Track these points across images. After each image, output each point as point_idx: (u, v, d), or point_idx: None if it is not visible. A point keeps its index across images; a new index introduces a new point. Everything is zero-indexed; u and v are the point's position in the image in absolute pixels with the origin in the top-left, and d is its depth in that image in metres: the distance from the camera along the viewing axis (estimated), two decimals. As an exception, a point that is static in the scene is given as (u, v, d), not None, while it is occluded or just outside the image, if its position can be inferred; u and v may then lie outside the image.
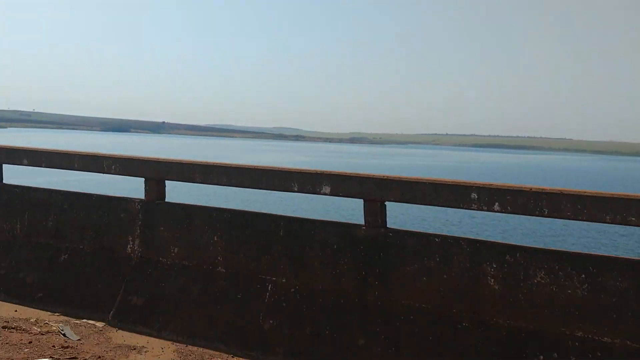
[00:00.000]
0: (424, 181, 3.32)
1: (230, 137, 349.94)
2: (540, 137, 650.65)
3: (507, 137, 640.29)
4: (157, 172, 4.23)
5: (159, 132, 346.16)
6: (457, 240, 3.28)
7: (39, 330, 3.74)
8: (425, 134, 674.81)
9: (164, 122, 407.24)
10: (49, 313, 4.23)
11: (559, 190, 3.01)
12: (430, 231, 3.57)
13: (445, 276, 3.26)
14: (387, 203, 3.50)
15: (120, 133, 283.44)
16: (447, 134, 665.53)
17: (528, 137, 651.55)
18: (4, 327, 3.69)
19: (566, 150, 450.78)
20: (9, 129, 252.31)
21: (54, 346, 3.45)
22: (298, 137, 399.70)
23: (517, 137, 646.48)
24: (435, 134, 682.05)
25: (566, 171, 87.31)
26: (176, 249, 4.14)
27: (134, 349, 3.64)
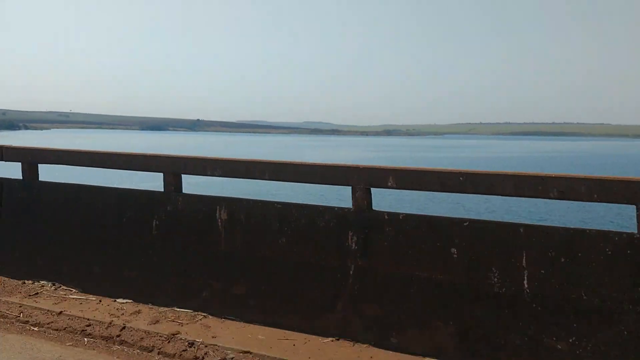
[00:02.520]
0: None
1: (266, 132, 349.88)
2: (578, 123, 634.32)
3: (543, 123, 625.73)
4: (365, 180, 4.03)
5: (194, 130, 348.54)
6: None
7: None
8: (459, 124, 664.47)
9: (198, 120, 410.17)
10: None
11: None
12: None
13: None
14: None
15: (159, 132, 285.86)
16: (481, 123, 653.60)
17: (565, 123, 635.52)
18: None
19: (608, 135, 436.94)
20: (52, 130, 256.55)
21: None
22: (334, 131, 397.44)
23: (554, 123, 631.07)
24: (469, 123, 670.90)
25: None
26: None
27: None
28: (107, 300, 4.27)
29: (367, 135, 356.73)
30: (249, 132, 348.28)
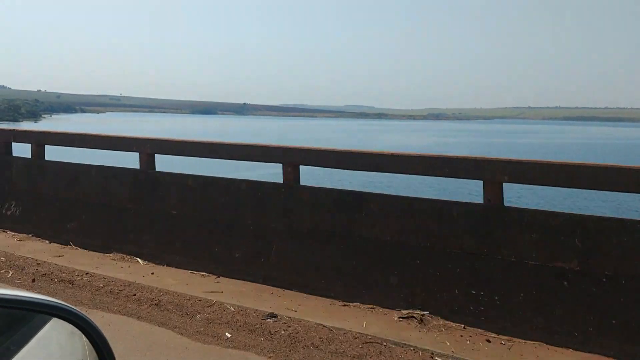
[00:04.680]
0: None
1: (312, 117, 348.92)
2: (632, 108, 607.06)
3: (596, 108, 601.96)
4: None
5: (242, 114, 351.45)
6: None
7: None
8: (507, 108, 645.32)
9: (245, 104, 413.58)
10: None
11: None
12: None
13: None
14: None
15: (209, 115, 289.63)
16: (530, 107, 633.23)
17: (617, 108, 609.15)
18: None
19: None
20: (107, 113, 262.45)
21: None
22: (380, 115, 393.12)
23: (607, 108, 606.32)
24: (517, 107, 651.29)
25: None
26: None
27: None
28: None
29: (414, 119, 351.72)
30: (296, 116, 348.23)
